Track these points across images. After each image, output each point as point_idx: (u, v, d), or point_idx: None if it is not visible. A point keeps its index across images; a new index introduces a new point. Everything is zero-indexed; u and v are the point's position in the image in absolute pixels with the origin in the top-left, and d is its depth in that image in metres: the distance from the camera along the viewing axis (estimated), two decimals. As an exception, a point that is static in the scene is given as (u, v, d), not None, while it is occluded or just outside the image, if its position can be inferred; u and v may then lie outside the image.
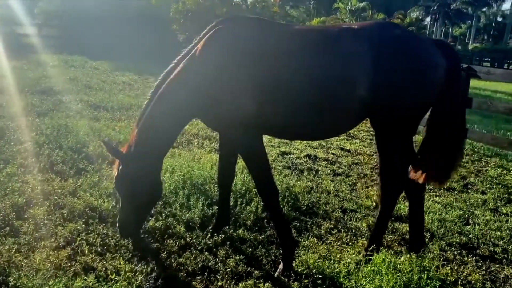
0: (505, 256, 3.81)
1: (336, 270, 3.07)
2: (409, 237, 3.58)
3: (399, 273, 2.90)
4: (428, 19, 62.34)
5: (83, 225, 3.45)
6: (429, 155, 3.22)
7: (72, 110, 7.70)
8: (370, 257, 3.20)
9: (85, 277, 2.75)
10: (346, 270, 3.06)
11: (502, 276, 3.49)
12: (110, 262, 3.00)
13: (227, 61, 3.01)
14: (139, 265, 2.99)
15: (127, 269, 2.85)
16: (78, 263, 2.96)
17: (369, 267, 3.04)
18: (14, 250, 3.06)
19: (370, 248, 3.26)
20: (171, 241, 3.40)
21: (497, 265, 3.65)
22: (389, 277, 2.86)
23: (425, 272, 2.94)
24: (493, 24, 75.74)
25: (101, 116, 7.52)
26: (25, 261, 2.95)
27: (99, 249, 3.18)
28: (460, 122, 3.26)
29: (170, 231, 3.55)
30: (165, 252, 3.24)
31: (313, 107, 3.02)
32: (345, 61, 2.97)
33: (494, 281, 3.40)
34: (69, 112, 7.40)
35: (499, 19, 75.74)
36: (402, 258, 3.33)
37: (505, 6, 72.24)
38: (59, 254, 3.02)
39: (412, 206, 3.48)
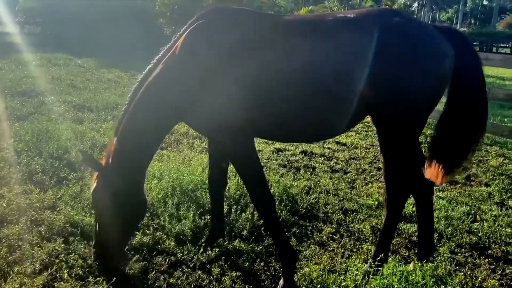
0: (519, 256, 3.57)
1: (343, 284, 2.80)
2: (418, 243, 3.32)
3: (412, 286, 2.63)
4: (415, 4, 62.20)
5: (63, 244, 3.13)
6: (443, 149, 2.90)
7: (54, 112, 7.32)
8: (379, 268, 2.93)
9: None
10: (353, 284, 2.78)
11: (518, 279, 3.25)
12: (93, 287, 2.70)
13: (210, 58, 2.70)
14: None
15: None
16: (56, 290, 2.66)
17: (378, 280, 2.77)
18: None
19: (378, 258, 2.99)
20: (160, 258, 3.10)
21: (511, 267, 3.41)
22: (402, 292, 2.60)
23: (440, 284, 2.68)
24: (480, 8, 75.90)
25: (85, 118, 7.16)
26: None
27: (80, 272, 2.87)
28: (480, 113, 2.93)
29: (159, 246, 3.24)
30: (153, 272, 2.95)
31: (309, 106, 2.72)
32: (343, 54, 2.66)
33: (511, 286, 3.16)
34: (51, 115, 7.03)
35: (485, 2, 75.89)
36: (411, 266, 3.09)
37: (492, -11, 72.20)
38: (35, 281, 2.71)
39: (420, 210, 3.21)
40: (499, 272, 3.31)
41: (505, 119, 8.84)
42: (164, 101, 2.76)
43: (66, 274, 2.78)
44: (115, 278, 2.74)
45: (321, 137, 3.46)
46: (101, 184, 2.79)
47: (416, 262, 3.03)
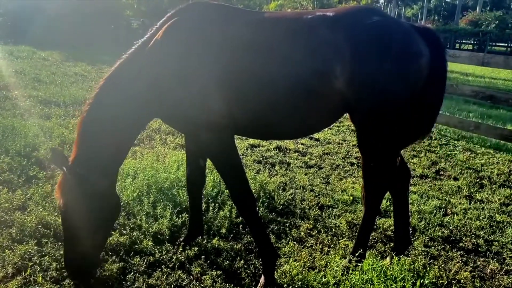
0: (489, 248, 3.70)
1: (324, 281, 2.82)
2: (394, 237, 3.38)
3: (392, 282, 2.68)
4: (382, 0, 63.31)
5: (35, 247, 3.02)
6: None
7: (20, 107, 7.04)
8: (358, 263, 2.97)
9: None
10: (334, 281, 2.81)
11: (488, 271, 3.37)
12: (69, 291, 2.62)
13: (189, 54, 2.64)
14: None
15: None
16: (31, 295, 2.56)
17: (358, 275, 2.81)
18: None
19: (357, 253, 3.03)
20: (138, 258, 3.03)
21: (482, 259, 3.53)
22: (382, 286, 2.64)
23: (418, 278, 2.75)
24: (443, 5, 77.97)
25: (53, 113, 6.91)
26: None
27: (55, 274, 2.77)
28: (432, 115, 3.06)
29: (136, 246, 3.17)
30: (132, 273, 2.88)
31: (287, 103, 2.70)
32: (321, 51, 2.65)
33: (482, 278, 3.27)
34: (16, 110, 6.76)
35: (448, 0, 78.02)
36: (388, 260, 3.15)
37: (454, -13, 74.40)
38: (8, 286, 2.59)
39: (397, 204, 3.27)
40: (471, 265, 3.42)
41: (470, 114, 9.14)
42: (138, 97, 2.68)
43: (40, 278, 2.68)
44: (91, 281, 2.65)
45: (300, 134, 3.45)
46: (68, 184, 2.59)
47: (393, 257, 3.09)
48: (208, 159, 3.27)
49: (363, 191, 3.11)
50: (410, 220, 4.00)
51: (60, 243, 3.11)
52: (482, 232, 3.96)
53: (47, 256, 2.95)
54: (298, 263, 3.09)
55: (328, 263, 3.10)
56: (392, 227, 3.85)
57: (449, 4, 75.62)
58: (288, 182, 4.82)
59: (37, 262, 2.87)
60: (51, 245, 3.08)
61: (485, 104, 10.31)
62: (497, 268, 3.40)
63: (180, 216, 3.58)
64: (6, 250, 2.96)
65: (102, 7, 21.04)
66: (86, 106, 2.71)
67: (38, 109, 7.03)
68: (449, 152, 6.55)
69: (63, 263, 2.80)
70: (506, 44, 43.00)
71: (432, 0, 72.82)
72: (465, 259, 3.51)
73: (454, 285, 3.09)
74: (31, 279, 2.72)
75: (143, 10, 23.95)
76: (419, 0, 69.95)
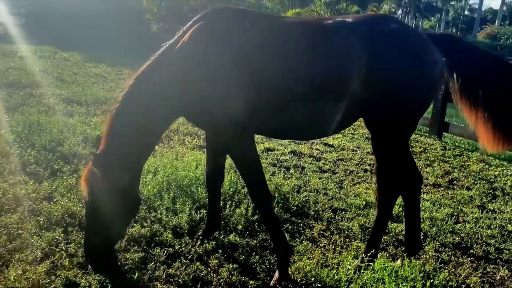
0: (499, 256, 3.76)
1: (336, 278, 2.92)
2: (405, 240, 3.47)
3: (402, 281, 2.78)
4: (399, 11, 63.16)
5: (62, 234, 3.19)
6: None
7: (44, 104, 7.30)
8: (369, 263, 3.07)
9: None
10: (346, 278, 2.91)
11: (498, 277, 3.43)
12: (94, 276, 2.76)
13: (216, 56, 2.79)
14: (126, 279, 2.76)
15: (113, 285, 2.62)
16: (58, 278, 2.71)
17: (369, 274, 2.91)
18: (-15, 265, 2.78)
19: (369, 253, 3.13)
20: (159, 249, 3.17)
21: (492, 266, 3.59)
22: (393, 285, 2.74)
23: (428, 279, 2.83)
24: (461, 18, 77.45)
25: (75, 111, 7.15)
26: (-1, 277, 2.68)
27: (81, 260, 2.93)
28: None
29: (157, 238, 3.32)
30: (152, 263, 3.02)
31: (306, 105, 2.84)
32: (340, 56, 2.79)
33: (492, 283, 3.34)
34: (40, 107, 7.00)
35: (466, 12, 77.52)
36: (399, 262, 3.24)
37: (473, 0, 73.97)
38: (37, 269, 2.75)
39: (408, 209, 3.36)
40: (481, 270, 3.48)
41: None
42: (166, 95, 2.82)
43: (67, 262, 2.83)
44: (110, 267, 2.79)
45: (317, 135, 3.55)
46: (97, 179, 2.71)
47: (404, 259, 3.18)
48: (227, 158, 3.41)
49: (377, 193, 3.21)
50: (422, 226, 4.08)
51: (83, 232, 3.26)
52: (493, 241, 4.02)
53: (73, 243, 3.11)
54: (311, 261, 3.20)
55: (341, 262, 3.21)
56: (403, 232, 3.94)
57: (468, 17, 75.10)
58: (302, 185, 4.93)
59: (64, 248, 3.04)
60: (77, 234, 3.24)
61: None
62: (507, 275, 3.46)
63: (198, 212, 3.73)
64: (35, 236, 3.13)
65: (123, 11, 21.51)
66: (116, 103, 2.87)
67: (61, 107, 7.27)
68: (463, 163, 6.59)
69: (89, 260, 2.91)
70: (524, 59, 42.52)
71: (451, 12, 72.46)
72: (475, 265, 3.57)
73: (462, 288, 3.16)
74: (58, 263, 2.87)
75: (162, 15, 24.38)
76: (437, 12, 69.64)
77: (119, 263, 2.93)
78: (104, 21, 19.81)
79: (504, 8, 61.08)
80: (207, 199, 3.90)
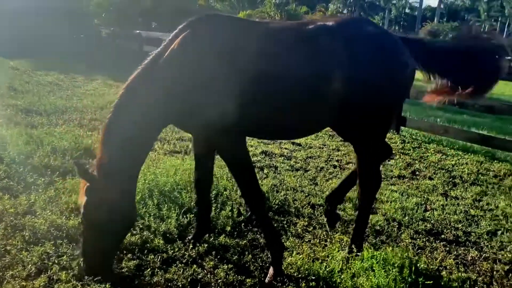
0: (467, 238, 4.06)
1: (328, 269, 3.08)
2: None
3: (391, 267, 2.97)
4: (345, 11, 65.01)
5: (53, 247, 3.14)
6: None
7: (1, 116, 7.00)
8: (357, 254, 3.25)
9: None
10: (338, 268, 3.07)
11: (469, 258, 3.72)
12: (93, 286, 2.75)
13: (204, 63, 2.86)
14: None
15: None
16: (58, 292, 2.69)
17: (359, 264, 3.08)
18: (-23, 285, 2.71)
19: (356, 244, 3.31)
20: (153, 256, 3.20)
21: (462, 248, 3.88)
22: (382, 272, 2.92)
23: (412, 264, 3.05)
24: (403, 15, 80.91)
25: (36, 122, 6.92)
26: (-5, 295, 2.62)
27: (76, 272, 2.90)
28: None
29: (148, 245, 3.33)
30: (149, 269, 3.04)
31: (294, 105, 2.99)
32: (323, 58, 2.95)
33: (465, 264, 3.61)
34: (-2, 119, 6.73)
35: (407, 10, 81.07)
36: (383, 252, 3.44)
37: (413, -1, 77.63)
38: (34, 284, 2.71)
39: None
40: (454, 253, 3.76)
41: (438, 119, 9.69)
42: (156, 105, 2.86)
43: (64, 275, 2.81)
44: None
45: (304, 133, 3.69)
46: (95, 195, 2.72)
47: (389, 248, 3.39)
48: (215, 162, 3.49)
49: (358, 187, 3.39)
50: (395, 216, 4.35)
51: (74, 244, 3.23)
52: (460, 225, 4.33)
53: (64, 256, 3.07)
54: (301, 256, 3.33)
55: (329, 255, 3.36)
56: (379, 222, 4.18)
57: (409, 15, 78.60)
58: (278, 184, 5.07)
59: (56, 261, 2.99)
60: (66, 246, 3.20)
61: (450, 110, 10.96)
62: (477, 255, 3.76)
63: (185, 216, 3.77)
64: (23, 252, 3.06)
65: (69, 16, 20.74)
66: (108, 114, 2.87)
67: (20, 118, 7.01)
68: (422, 154, 6.98)
69: (81, 262, 2.93)
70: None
71: (393, 11, 75.53)
72: (448, 249, 3.85)
73: (441, 271, 3.41)
74: (54, 277, 2.84)
75: (112, 19, 23.78)
76: (381, 11, 72.39)
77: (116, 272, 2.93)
78: (49, 26, 19.03)
79: (442, 6, 64.39)
80: (192, 204, 3.96)
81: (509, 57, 3.74)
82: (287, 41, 3.01)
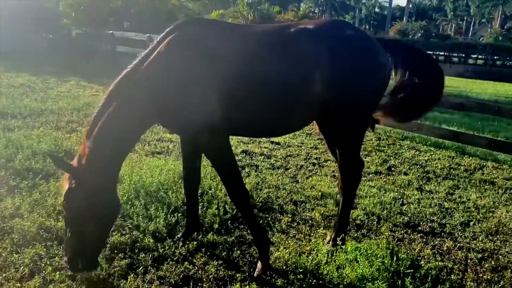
0: (443, 230, 4.28)
1: (315, 262, 3.21)
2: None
3: (374, 258, 3.13)
4: (317, 10, 65.76)
5: (44, 249, 3.16)
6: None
7: (-25, 119, 6.88)
8: (341, 246, 3.40)
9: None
10: (324, 260, 3.21)
11: (445, 248, 3.92)
12: (89, 286, 2.81)
13: (189, 65, 2.95)
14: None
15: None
16: (54, 292, 2.73)
17: (343, 256, 3.24)
18: (-30, 288, 2.72)
19: (340, 238, 3.46)
20: (143, 254, 3.27)
21: (438, 239, 4.09)
22: (366, 263, 3.08)
23: (394, 254, 3.22)
24: (373, 15, 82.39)
25: (12, 125, 6.82)
26: (-9, 298, 2.64)
27: (69, 273, 2.94)
28: None
29: (138, 244, 3.40)
30: (141, 268, 3.11)
31: (276, 105, 3.11)
32: (306, 60, 3.09)
33: (441, 253, 3.82)
34: (-28, 123, 6.60)
35: (377, 10, 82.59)
36: (365, 244, 3.61)
37: (382, -2, 79.22)
38: (29, 285, 2.74)
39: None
40: (431, 244, 3.96)
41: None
42: (142, 105, 2.94)
43: (57, 276, 2.84)
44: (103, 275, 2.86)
45: (287, 131, 3.83)
46: (77, 185, 2.80)
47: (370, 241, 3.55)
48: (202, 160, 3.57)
49: (340, 182, 3.55)
50: (374, 210, 4.53)
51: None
52: (435, 217, 4.55)
53: (56, 257, 3.10)
54: (287, 250, 3.46)
55: (314, 248, 3.50)
56: (360, 217, 4.35)
57: (379, 15, 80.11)
58: (261, 183, 5.19)
59: (48, 263, 3.02)
60: (57, 248, 3.23)
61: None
62: (452, 245, 3.97)
63: (173, 215, 3.84)
64: (14, 254, 3.08)
65: (36, 15, 20.25)
66: (94, 110, 2.94)
67: (-5, 121, 6.90)
68: (397, 151, 7.24)
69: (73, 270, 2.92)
70: (431, 52, 46.27)
71: (363, 10, 76.83)
72: (425, 240, 4.05)
73: (420, 260, 3.60)
74: (48, 278, 2.87)
75: (81, 19, 23.34)
76: (351, 11, 73.55)
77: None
78: (16, 26, 18.55)
79: (410, 5, 65.90)
80: (178, 203, 4.04)
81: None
82: (270, 43, 3.13)
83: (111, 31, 15.71)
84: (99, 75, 13.39)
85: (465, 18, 70.45)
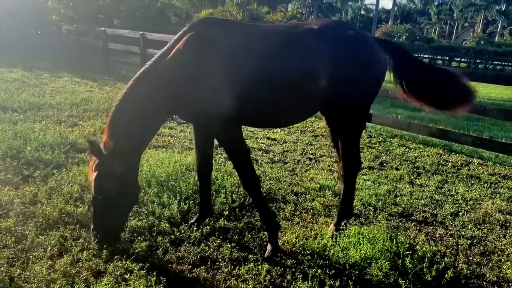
0: (434, 219, 4.59)
1: (321, 244, 3.48)
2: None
3: (376, 242, 3.41)
4: (304, 11, 66.27)
5: (69, 231, 3.37)
6: None
7: (-23, 113, 6.97)
8: (345, 231, 3.68)
9: (104, 280, 2.75)
10: (330, 243, 3.48)
11: (437, 235, 4.23)
12: (115, 263, 3.02)
13: (206, 61, 3.19)
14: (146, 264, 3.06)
15: (137, 269, 2.92)
16: (84, 269, 2.94)
17: (347, 240, 3.51)
18: (5, 265, 2.90)
19: (343, 223, 3.74)
20: (161, 238, 3.49)
21: (431, 227, 4.40)
22: (369, 245, 3.35)
23: (393, 238, 3.50)
24: (359, 17, 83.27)
25: (14, 118, 6.95)
26: (26, 273, 2.83)
27: (95, 253, 3.15)
28: None
29: (155, 228, 3.62)
30: (160, 249, 3.33)
31: (284, 98, 3.39)
32: (311, 57, 3.38)
33: (434, 240, 4.12)
34: (-25, 116, 6.70)
35: (363, 12, 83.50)
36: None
37: (368, 1, 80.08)
38: (61, 261, 2.95)
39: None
40: (424, 231, 4.27)
41: (399, 116, 10.36)
42: (161, 96, 3.20)
43: (85, 255, 3.05)
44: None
45: (292, 122, 4.14)
46: (104, 171, 3.11)
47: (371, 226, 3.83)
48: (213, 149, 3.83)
49: (342, 170, 3.84)
50: (370, 201, 4.82)
51: (86, 229, 3.47)
52: (427, 208, 4.86)
53: (80, 238, 3.31)
54: (294, 235, 3.72)
55: (319, 233, 3.77)
56: (357, 207, 4.63)
57: (365, 17, 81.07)
58: (261, 175, 5.44)
59: (73, 244, 3.23)
60: (79, 231, 3.44)
61: (409, 108, 11.71)
62: (444, 233, 4.28)
63: (185, 203, 4.07)
64: (40, 236, 3.28)
65: (28, 12, 20.16)
66: (116, 102, 3.18)
67: (-3, 115, 7.01)
68: (388, 148, 7.56)
69: (98, 244, 3.18)
70: (416, 55, 47.16)
71: (349, 12, 77.65)
72: (418, 228, 4.35)
73: (415, 245, 3.89)
74: (76, 257, 3.08)
75: (70, 16, 23.27)
76: (337, 12, 74.26)
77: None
78: (5, 21, 18.46)
79: (395, 8, 66.89)
80: (189, 192, 4.27)
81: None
82: (279, 42, 3.41)
83: (103, 28, 15.75)
84: (92, 71, 13.48)
85: (449, 22, 71.82)
